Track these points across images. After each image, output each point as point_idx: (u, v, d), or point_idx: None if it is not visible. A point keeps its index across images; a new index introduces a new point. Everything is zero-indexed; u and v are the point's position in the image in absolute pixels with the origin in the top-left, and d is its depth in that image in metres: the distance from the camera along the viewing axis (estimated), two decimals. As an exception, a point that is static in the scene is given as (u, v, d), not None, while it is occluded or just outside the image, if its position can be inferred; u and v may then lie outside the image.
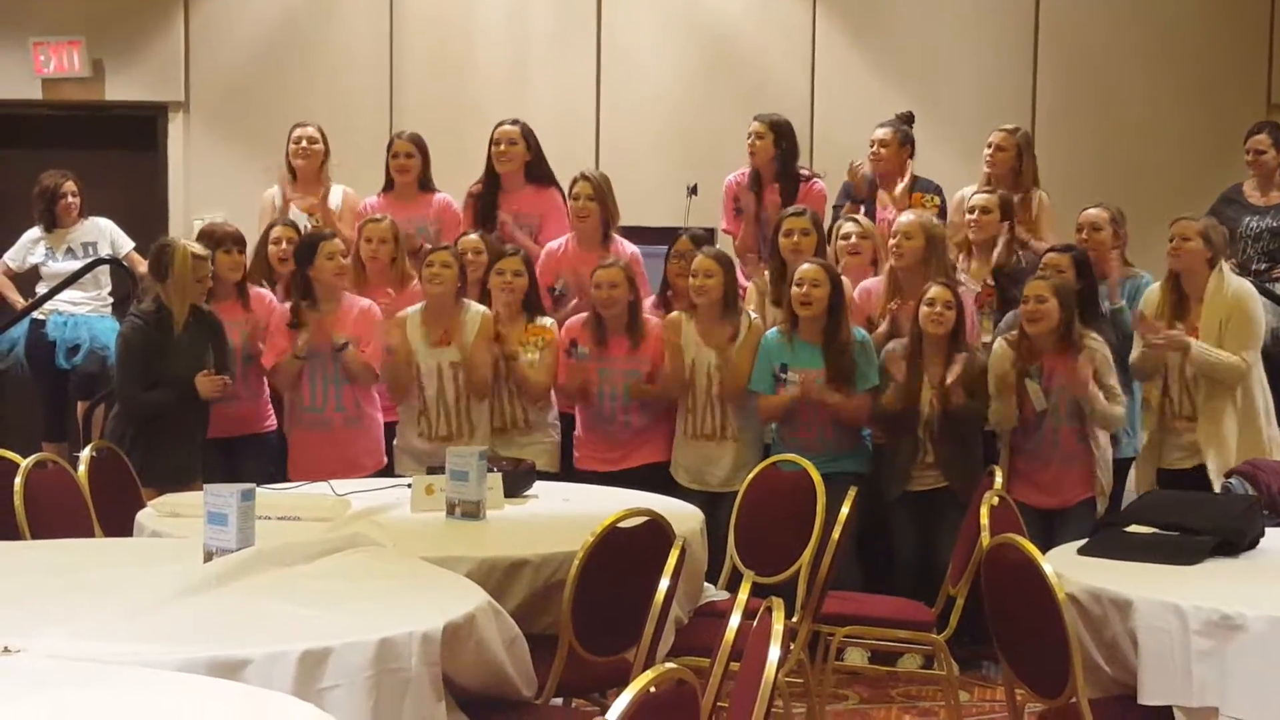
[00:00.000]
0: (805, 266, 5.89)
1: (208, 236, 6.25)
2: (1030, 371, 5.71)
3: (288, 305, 6.22)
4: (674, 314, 6.18)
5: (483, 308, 6.11)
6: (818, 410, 5.89)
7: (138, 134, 8.98)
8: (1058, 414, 5.73)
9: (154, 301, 5.87)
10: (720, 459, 6.03)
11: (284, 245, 6.51)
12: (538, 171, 6.90)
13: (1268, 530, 4.31)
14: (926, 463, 5.91)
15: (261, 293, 6.38)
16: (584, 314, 6.23)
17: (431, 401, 6.05)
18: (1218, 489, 5.51)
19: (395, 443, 6.18)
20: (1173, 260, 5.89)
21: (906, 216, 6.28)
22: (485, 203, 6.86)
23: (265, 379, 6.32)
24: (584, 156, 8.56)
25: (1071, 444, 5.75)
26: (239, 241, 6.28)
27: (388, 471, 6.01)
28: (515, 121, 6.90)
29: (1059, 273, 5.90)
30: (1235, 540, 4.14)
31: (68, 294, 7.66)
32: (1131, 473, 6.18)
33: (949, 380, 5.79)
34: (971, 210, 6.41)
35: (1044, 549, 4.34)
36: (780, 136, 6.81)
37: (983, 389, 5.82)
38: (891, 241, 6.20)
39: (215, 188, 8.76)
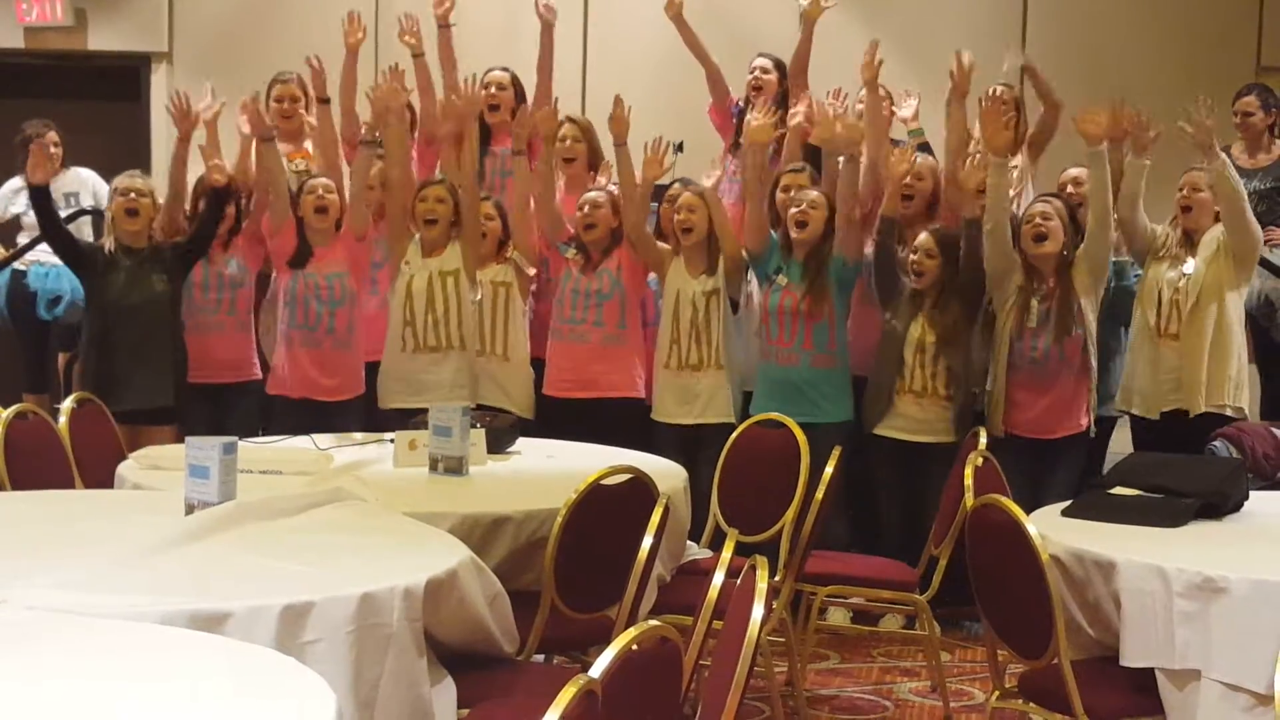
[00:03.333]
0: (810, 192, 5.96)
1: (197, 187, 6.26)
2: (1032, 298, 5.73)
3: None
4: (664, 245, 6.21)
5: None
6: (795, 328, 5.90)
7: (121, 84, 8.91)
8: (1054, 339, 5.73)
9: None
10: (702, 390, 6.03)
11: (320, 194, 6.33)
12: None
13: (1251, 493, 4.32)
14: (913, 388, 5.89)
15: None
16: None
17: (420, 312, 6.01)
18: (1193, 412, 5.54)
19: (381, 366, 6.13)
20: (1184, 214, 5.91)
21: (917, 158, 6.31)
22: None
23: (253, 332, 6.28)
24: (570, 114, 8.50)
25: (1076, 355, 5.76)
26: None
27: (369, 399, 6.03)
28: (505, 69, 6.87)
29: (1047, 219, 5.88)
30: (1219, 503, 4.16)
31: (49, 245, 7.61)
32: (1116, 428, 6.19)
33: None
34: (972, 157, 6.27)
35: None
36: (783, 75, 6.88)
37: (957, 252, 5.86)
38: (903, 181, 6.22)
39: (198, 139, 8.68)
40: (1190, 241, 5.94)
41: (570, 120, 6.64)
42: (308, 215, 6.09)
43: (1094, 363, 5.81)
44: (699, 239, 6.05)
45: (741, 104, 6.95)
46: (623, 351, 6.18)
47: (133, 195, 6.02)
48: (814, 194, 5.96)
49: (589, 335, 6.14)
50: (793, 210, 5.93)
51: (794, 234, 5.93)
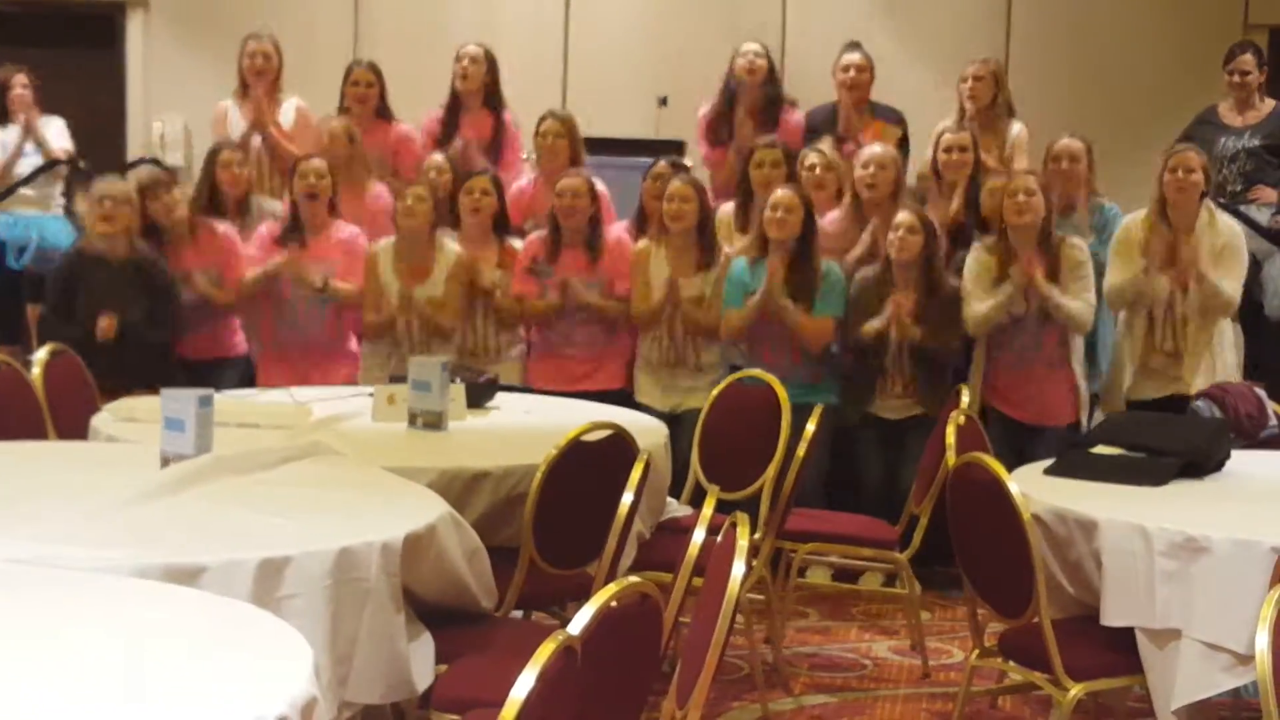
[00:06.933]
0: (780, 191, 5.84)
1: (139, 183, 6.18)
2: (1009, 275, 5.67)
3: (274, 228, 6.16)
4: (641, 243, 6.11)
5: (457, 247, 6.02)
6: (782, 334, 5.84)
7: (96, 32, 8.82)
8: (1036, 317, 5.68)
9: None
10: (683, 388, 5.99)
11: (233, 169, 6.40)
12: (493, 98, 6.82)
13: (1233, 453, 4.31)
14: (895, 392, 5.86)
15: (213, 225, 6.24)
16: (543, 231, 6.14)
17: (400, 336, 5.97)
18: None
19: (362, 364, 6.13)
20: (1177, 194, 5.74)
21: (877, 147, 6.24)
22: (449, 122, 6.78)
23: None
24: (553, 67, 8.46)
25: (1053, 347, 5.73)
26: (167, 184, 6.19)
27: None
28: (480, 45, 6.85)
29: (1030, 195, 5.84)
30: (1201, 462, 4.16)
31: (17, 193, 7.54)
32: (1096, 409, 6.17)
33: (905, 309, 5.74)
34: (948, 150, 6.25)
35: (1018, 464, 4.34)
36: (772, 64, 6.85)
37: (954, 318, 5.77)
38: (865, 171, 6.13)
39: (174, 89, 8.62)
40: (1173, 237, 5.77)
41: (553, 116, 6.56)
42: (298, 199, 6.07)
43: (1078, 352, 5.76)
44: (688, 228, 5.95)
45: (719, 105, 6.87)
46: (611, 352, 6.12)
47: (107, 204, 5.88)
48: (787, 195, 5.80)
49: (580, 351, 6.08)
50: (767, 214, 5.80)
51: (771, 235, 5.81)
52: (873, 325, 5.78)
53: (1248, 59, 7.06)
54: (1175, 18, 8.46)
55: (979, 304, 5.71)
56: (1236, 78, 7.06)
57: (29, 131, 7.53)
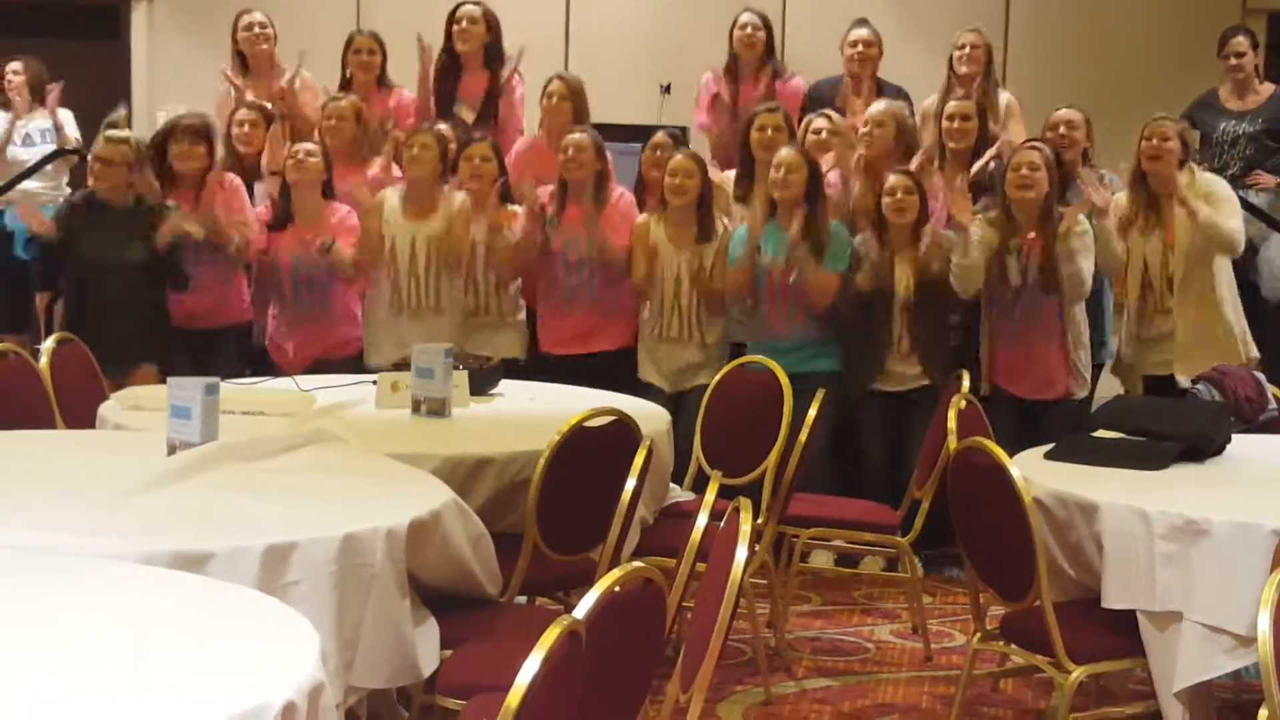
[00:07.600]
0: (783, 152, 5.86)
1: (170, 127, 6.16)
2: (1010, 247, 5.70)
3: (265, 205, 6.16)
4: (642, 217, 6.13)
5: (463, 194, 6.04)
6: (785, 291, 5.86)
7: (101, 23, 8.82)
8: (1035, 289, 5.71)
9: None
10: (686, 362, 6.00)
11: (246, 128, 6.40)
12: (495, 56, 6.80)
13: (1233, 436, 4.32)
14: (902, 351, 5.87)
15: (225, 177, 6.18)
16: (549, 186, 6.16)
17: (404, 274, 6.02)
18: (1183, 382, 5.54)
19: (367, 324, 6.16)
20: (1151, 163, 5.81)
21: (878, 105, 6.27)
22: (446, 85, 6.77)
23: (234, 268, 6.23)
24: (555, 53, 8.45)
25: (1050, 319, 5.75)
26: (196, 133, 6.11)
27: (359, 361, 6.02)
28: (478, 3, 6.82)
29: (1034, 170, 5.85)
30: (1202, 446, 4.17)
31: (25, 183, 7.54)
32: (1104, 378, 6.18)
33: (922, 248, 5.78)
34: (950, 118, 6.25)
35: (1024, 443, 4.35)
36: (770, 32, 6.87)
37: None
38: (863, 130, 6.18)
39: (179, 79, 8.61)
40: (1156, 202, 5.86)
41: (560, 78, 6.56)
42: (290, 179, 6.05)
43: (1078, 325, 5.79)
44: (689, 203, 5.95)
45: (719, 78, 6.88)
46: (618, 308, 6.13)
47: (97, 166, 5.89)
48: (791, 155, 5.83)
49: (585, 299, 6.08)
50: (772, 174, 5.82)
51: (776, 195, 5.84)
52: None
53: (1240, 41, 7.05)
54: (1174, 2, 8.45)
55: (972, 262, 5.70)
56: (1232, 60, 7.06)
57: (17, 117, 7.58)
